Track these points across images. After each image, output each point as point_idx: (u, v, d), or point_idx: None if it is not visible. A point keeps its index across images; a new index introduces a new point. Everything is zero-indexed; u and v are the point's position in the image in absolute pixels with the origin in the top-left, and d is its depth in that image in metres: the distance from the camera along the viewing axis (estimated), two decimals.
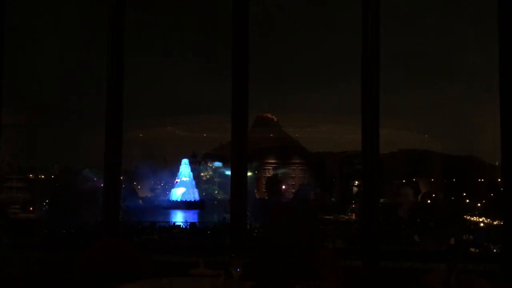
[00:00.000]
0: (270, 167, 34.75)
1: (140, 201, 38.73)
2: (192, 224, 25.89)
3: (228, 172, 4.11)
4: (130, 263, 2.88)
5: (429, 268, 3.23)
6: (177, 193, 37.20)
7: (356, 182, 19.40)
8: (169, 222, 25.58)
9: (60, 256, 4.10)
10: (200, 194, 39.20)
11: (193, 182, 37.85)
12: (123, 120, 4.27)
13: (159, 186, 39.85)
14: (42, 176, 35.27)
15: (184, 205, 35.67)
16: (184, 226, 22.87)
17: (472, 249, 3.86)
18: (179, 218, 34.77)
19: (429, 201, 30.45)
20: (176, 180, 39.00)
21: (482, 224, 18.79)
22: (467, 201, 26.28)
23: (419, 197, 31.29)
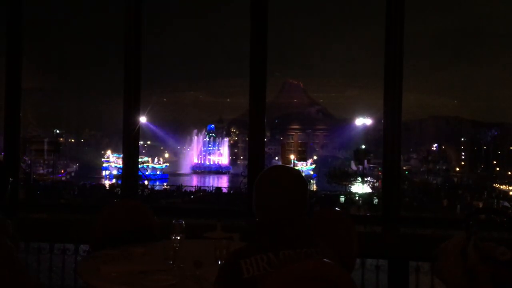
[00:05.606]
0: (294, 133, 34.57)
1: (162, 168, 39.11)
2: (217, 188, 26.38)
3: None
4: (143, 225, 2.91)
5: (450, 234, 3.15)
6: (203, 158, 37.58)
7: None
8: (195, 186, 26.14)
9: (83, 217, 4.21)
10: (227, 158, 39.57)
11: (219, 147, 38.18)
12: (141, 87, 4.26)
13: (184, 151, 40.41)
14: (72, 140, 36.03)
15: (210, 169, 36.15)
16: (209, 191, 23.30)
17: (498, 218, 3.74)
18: (207, 182, 35.29)
19: (457, 169, 29.98)
20: (202, 145, 39.39)
21: None
22: (497, 169, 25.83)
23: (448, 164, 30.82)
